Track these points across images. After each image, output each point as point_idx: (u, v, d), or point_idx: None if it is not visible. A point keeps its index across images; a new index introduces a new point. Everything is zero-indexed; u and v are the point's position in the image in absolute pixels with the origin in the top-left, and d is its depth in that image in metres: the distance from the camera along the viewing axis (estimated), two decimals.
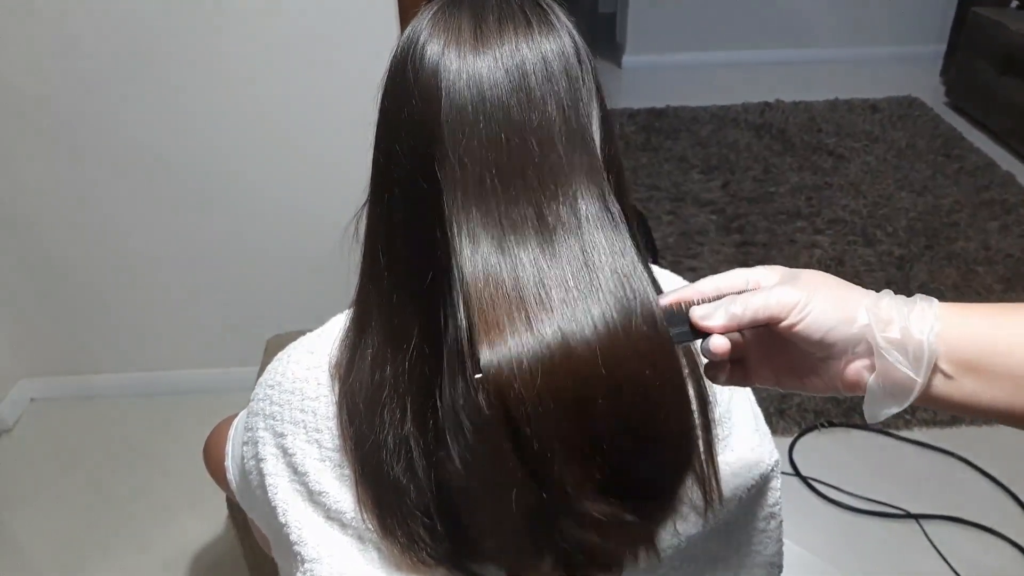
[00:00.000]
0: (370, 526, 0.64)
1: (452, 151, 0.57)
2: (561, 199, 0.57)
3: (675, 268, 0.67)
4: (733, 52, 4.49)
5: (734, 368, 0.61)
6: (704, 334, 0.57)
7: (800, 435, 2.02)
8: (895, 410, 0.54)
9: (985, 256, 2.65)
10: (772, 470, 0.76)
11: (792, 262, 2.64)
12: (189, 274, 2.03)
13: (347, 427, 0.64)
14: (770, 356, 0.60)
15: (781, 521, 0.79)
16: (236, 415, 1.17)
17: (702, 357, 0.71)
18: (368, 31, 1.72)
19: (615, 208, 0.58)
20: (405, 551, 0.63)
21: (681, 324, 0.57)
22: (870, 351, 0.53)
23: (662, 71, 4.35)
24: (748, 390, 0.81)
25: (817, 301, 0.54)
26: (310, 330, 0.82)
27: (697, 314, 0.56)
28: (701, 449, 0.70)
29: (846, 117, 3.71)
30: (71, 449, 2.08)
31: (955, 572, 1.71)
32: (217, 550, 1.82)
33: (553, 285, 0.55)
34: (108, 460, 2.03)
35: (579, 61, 0.60)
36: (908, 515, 1.81)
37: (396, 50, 0.61)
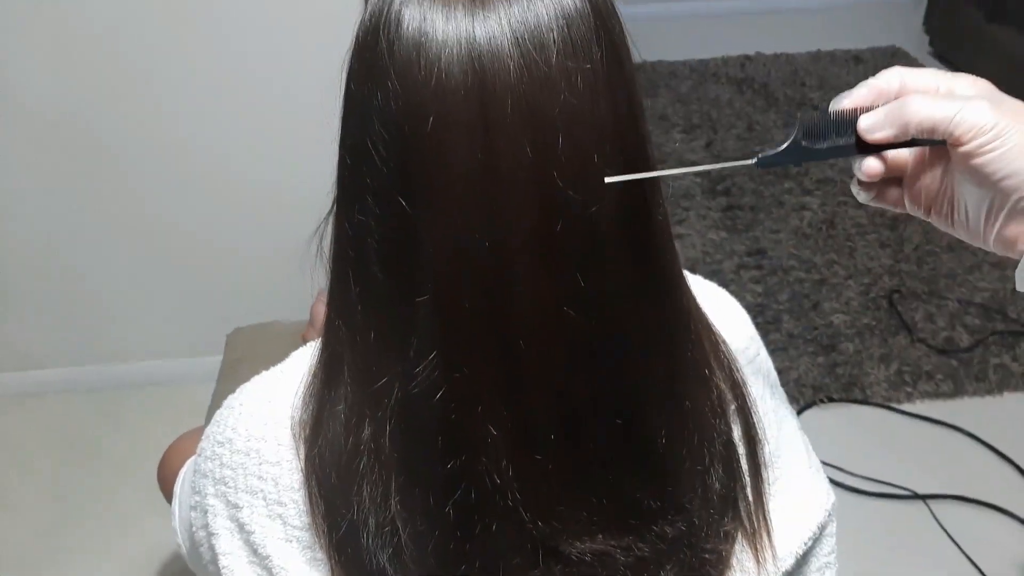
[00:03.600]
0: None
1: (432, 154, 0.43)
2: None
3: None
4: (709, 2, 4.32)
5: (885, 187, 0.52)
6: (871, 148, 0.48)
7: (799, 412, 1.93)
8: None
9: None
10: (829, 515, 0.64)
11: (782, 225, 2.53)
12: (142, 262, 1.87)
13: (318, 502, 0.51)
14: (931, 182, 0.51)
15: (836, 570, 0.67)
16: (192, 434, 1.03)
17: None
18: None
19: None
20: None
21: (846, 135, 0.48)
22: None
23: (637, 23, 4.10)
24: (794, 416, 0.68)
25: (1014, 137, 0.44)
26: (274, 322, 0.68)
27: (864, 124, 0.47)
28: (750, 499, 0.58)
29: (829, 69, 3.58)
30: (20, 451, 1.92)
31: (965, 554, 1.63)
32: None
33: None
34: (61, 462, 1.88)
35: (609, 22, 0.46)
36: (915, 496, 1.73)
37: (365, 15, 0.46)
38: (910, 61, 3.63)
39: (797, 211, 2.62)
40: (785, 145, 0.48)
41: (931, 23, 3.83)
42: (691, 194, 2.72)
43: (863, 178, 0.49)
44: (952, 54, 3.60)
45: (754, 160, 0.48)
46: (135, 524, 1.73)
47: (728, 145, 3.01)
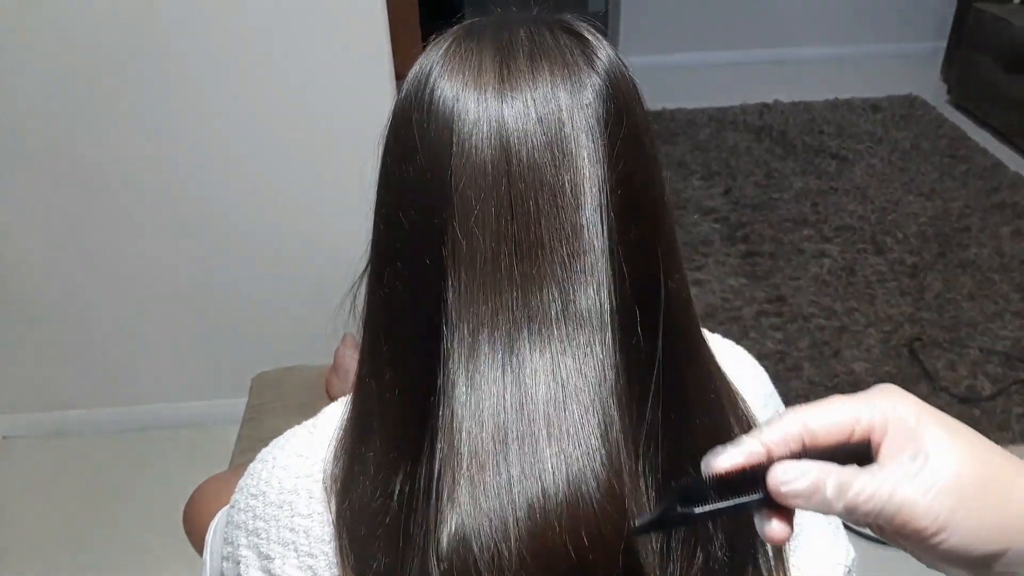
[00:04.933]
0: None
1: (460, 223, 0.45)
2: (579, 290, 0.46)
3: None
4: (728, 52, 4.39)
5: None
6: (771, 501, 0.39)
7: None
8: None
9: (1000, 263, 2.55)
10: (849, 571, 0.65)
11: (801, 272, 2.54)
12: (167, 305, 1.90)
13: (347, 556, 0.52)
14: None
15: None
16: (217, 479, 1.05)
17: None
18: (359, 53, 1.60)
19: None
20: None
21: (750, 490, 0.40)
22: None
23: (656, 72, 4.23)
24: None
25: (963, 521, 0.36)
26: (298, 366, 0.70)
27: (778, 477, 0.38)
28: (771, 556, 0.59)
29: (847, 117, 3.61)
30: (46, 490, 1.94)
31: None
32: None
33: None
34: (86, 502, 1.90)
35: (630, 104, 0.48)
36: None
37: (401, 93, 0.49)
38: (928, 109, 3.65)
39: (817, 258, 2.63)
40: (655, 515, 0.41)
41: (948, 73, 3.87)
42: (710, 240, 2.74)
43: (765, 540, 0.40)
44: (970, 103, 3.63)
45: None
46: (157, 567, 1.74)
47: (747, 192, 3.04)
